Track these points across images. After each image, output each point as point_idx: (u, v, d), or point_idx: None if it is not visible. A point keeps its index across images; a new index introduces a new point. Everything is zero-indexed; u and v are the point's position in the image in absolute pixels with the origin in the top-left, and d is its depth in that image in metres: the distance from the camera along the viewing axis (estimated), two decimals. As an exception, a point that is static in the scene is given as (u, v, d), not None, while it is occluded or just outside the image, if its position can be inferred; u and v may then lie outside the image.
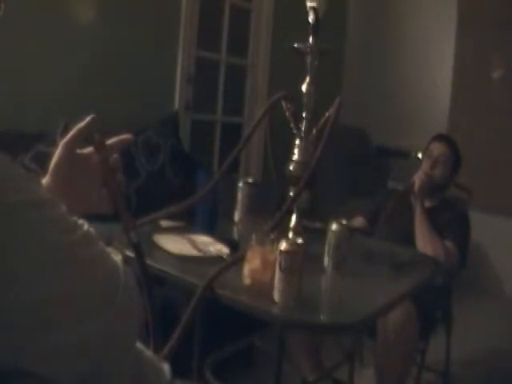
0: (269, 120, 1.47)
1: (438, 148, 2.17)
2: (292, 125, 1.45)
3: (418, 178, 2.09)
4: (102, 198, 0.83)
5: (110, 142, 0.84)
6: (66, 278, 0.56)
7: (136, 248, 0.84)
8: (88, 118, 0.82)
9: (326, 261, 1.32)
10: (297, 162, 1.43)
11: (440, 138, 2.24)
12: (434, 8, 3.90)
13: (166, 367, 0.83)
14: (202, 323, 1.81)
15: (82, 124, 0.82)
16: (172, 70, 3.00)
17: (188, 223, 1.58)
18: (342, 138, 3.31)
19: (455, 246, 1.99)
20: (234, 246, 1.39)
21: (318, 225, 1.56)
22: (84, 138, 0.82)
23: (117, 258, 0.65)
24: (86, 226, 0.62)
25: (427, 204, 2.17)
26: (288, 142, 1.46)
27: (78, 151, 0.82)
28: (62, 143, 0.81)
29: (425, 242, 1.98)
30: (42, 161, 0.83)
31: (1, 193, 0.52)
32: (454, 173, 2.19)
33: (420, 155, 2.24)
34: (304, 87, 1.43)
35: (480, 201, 2.46)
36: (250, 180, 1.77)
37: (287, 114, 1.44)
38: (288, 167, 1.44)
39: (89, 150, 0.83)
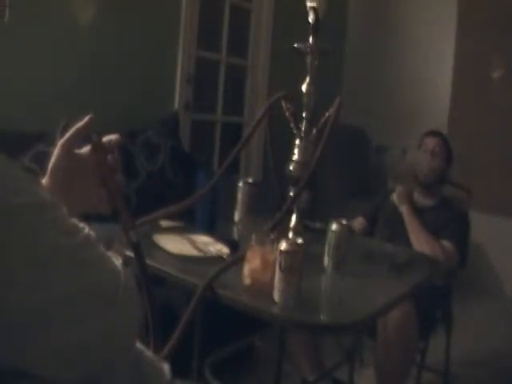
0: (269, 120, 1.47)
1: (432, 141, 2.23)
2: (292, 125, 1.45)
3: (395, 193, 2.17)
4: (101, 198, 0.83)
5: (104, 139, 0.84)
6: (66, 279, 0.56)
7: (135, 248, 0.84)
8: (86, 118, 0.82)
9: (326, 261, 1.32)
10: (297, 162, 1.43)
11: (432, 133, 2.30)
12: (434, 8, 3.90)
13: (165, 367, 0.83)
14: (201, 323, 1.80)
15: (79, 124, 0.82)
16: (172, 70, 3.00)
17: (188, 223, 1.58)
18: (342, 138, 3.31)
19: (454, 246, 1.99)
20: (234, 246, 1.39)
21: (318, 225, 1.56)
22: (82, 138, 0.82)
23: (117, 261, 0.65)
24: (86, 230, 0.62)
25: (427, 202, 2.18)
26: (288, 142, 1.46)
27: (76, 151, 0.82)
28: (59, 144, 0.80)
29: (421, 243, 1.98)
30: (42, 161, 0.83)
31: (1, 194, 0.52)
32: (448, 166, 2.22)
33: (408, 155, 2.30)
34: (304, 87, 1.43)
35: (480, 201, 2.46)
36: (250, 180, 1.76)
37: (287, 114, 1.44)
38: (288, 167, 1.44)
39: (86, 149, 0.83)
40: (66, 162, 0.80)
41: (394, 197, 2.17)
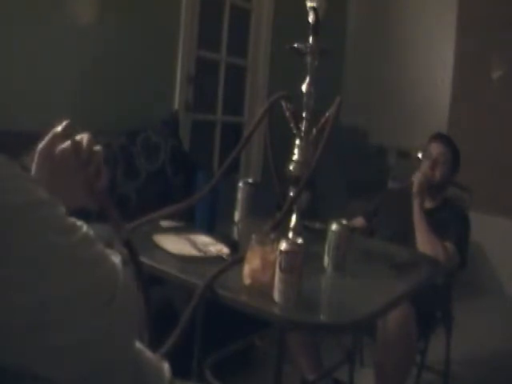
0: (269, 120, 1.47)
1: (436, 148, 2.16)
2: (292, 125, 1.45)
3: (416, 179, 2.08)
4: (88, 195, 0.83)
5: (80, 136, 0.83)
6: (65, 279, 0.56)
7: (127, 246, 0.83)
8: (63, 123, 0.82)
9: (326, 261, 1.33)
10: (297, 162, 1.43)
11: (438, 137, 2.23)
12: (434, 8, 3.90)
13: (165, 367, 0.83)
14: (202, 323, 1.80)
15: (56, 130, 0.82)
16: (172, 70, 3.00)
17: (188, 223, 1.58)
18: (341, 138, 3.31)
19: (455, 247, 1.99)
20: (233, 246, 1.39)
21: (317, 225, 1.56)
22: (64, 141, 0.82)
23: (116, 259, 0.65)
24: (85, 228, 0.62)
25: (428, 205, 2.17)
26: (288, 142, 1.46)
27: (58, 150, 0.82)
28: (37, 151, 0.81)
29: (423, 242, 1.98)
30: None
31: (0, 194, 0.52)
32: (454, 171, 2.18)
33: (420, 155, 2.23)
34: (304, 87, 1.43)
35: (480, 201, 2.46)
36: (250, 180, 1.77)
37: (287, 114, 1.44)
38: (288, 167, 1.44)
39: (67, 144, 0.82)
40: (47, 168, 0.80)
41: (414, 180, 2.07)
